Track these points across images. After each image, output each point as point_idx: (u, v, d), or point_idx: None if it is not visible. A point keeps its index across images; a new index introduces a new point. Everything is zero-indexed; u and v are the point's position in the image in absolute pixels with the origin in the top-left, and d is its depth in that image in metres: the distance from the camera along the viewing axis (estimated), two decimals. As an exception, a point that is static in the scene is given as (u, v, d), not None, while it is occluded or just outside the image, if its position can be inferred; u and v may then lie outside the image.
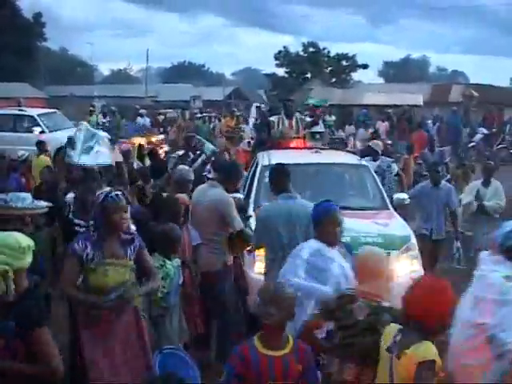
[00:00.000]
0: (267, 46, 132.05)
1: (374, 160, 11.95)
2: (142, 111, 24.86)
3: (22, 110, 22.32)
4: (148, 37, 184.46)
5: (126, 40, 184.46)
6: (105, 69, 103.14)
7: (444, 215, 10.52)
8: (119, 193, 5.38)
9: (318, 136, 11.50)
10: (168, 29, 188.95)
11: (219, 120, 26.58)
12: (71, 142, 8.68)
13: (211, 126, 25.43)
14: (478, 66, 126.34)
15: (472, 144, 26.04)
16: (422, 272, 7.89)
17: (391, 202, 9.54)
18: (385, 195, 9.60)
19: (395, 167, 12.73)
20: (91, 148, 8.46)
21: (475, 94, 32.36)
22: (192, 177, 8.05)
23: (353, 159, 10.65)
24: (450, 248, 10.49)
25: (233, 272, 7.42)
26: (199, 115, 26.74)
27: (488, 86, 40.80)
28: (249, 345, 4.27)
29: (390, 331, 4.13)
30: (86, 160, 8.36)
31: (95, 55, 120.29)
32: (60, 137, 17.59)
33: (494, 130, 28.09)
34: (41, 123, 20.69)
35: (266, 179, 8.78)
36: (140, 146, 14.73)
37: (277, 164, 7.37)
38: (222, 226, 7.05)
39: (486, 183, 10.95)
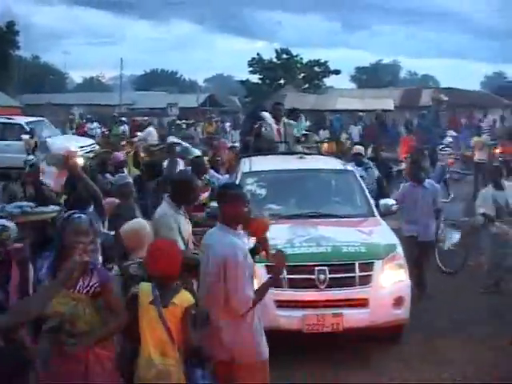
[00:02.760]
0: (240, 52, 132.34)
1: (359, 165, 11.83)
2: (123, 119, 25.22)
3: (10, 118, 22.82)
4: (120, 44, 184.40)
5: (97, 47, 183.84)
6: (77, 76, 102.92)
7: (431, 215, 10.20)
8: (82, 215, 5.03)
9: (302, 139, 11.28)
10: (140, 36, 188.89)
11: (195, 128, 26.95)
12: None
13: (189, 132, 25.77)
14: (448, 70, 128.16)
15: (442, 146, 26.77)
16: (408, 281, 7.80)
17: (377, 209, 9.17)
18: (371, 202, 9.24)
19: (375, 171, 12.49)
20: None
21: (444, 97, 33.12)
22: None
23: (338, 165, 10.24)
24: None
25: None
26: (178, 122, 27.11)
27: (457, 90, 41.75)
28: None
29: (145, 289, 5.04)
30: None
31: (67, 63, 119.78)
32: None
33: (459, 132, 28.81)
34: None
35: (247, 187, 8.77)
36: (135, 153, 14.64)
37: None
38: None
39: (498, 186, 10.47)
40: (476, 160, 18.77)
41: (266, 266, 6.57)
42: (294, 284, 7.35)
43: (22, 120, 22.66)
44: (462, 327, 8.62)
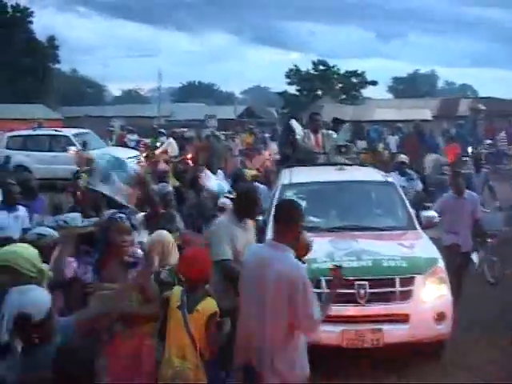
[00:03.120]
0: (275, 63, 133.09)
1: (402, 175, 11.72)
2: (162, 130, 25.44)
3: (57, 131, 23.26)
4: (157, 56, 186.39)
5: (134, 60, 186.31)
6: (115, 89, 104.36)
7: (470, 226, 10.04)
8: (123, 215, 5.34)
9: (343, 149, 10.87)
10: (177, 48, 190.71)
11: (233, 139, 27.10)
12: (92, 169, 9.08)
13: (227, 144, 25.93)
14: (486, 79, 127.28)
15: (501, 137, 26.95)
16: (449, 296, 7.59)
17: (419, 221, 8.91)
18: (412, 214, 9.00)
19: (419, 183, 12.43)
20: (110, 177, 8.45)
21: (482, 107, 33.02)
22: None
23: (378, 176, 10.04)
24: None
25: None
26: (217, 133, 27.33)
27: (495, 99, 41.49)
28: None
29: (176, 293, 5.29)
30: (105, 189, 8.39)
31: (105, 76, 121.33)
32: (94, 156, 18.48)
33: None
34: (76, 143, 21.34)
35: None
36: (176, 164, 14.79)
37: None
38: None
39: None
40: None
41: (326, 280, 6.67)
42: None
43: (68, 132, 23.01)
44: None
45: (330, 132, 11.58)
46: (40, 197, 9.59)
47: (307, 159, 10.85)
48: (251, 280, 4.93)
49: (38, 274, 4.61)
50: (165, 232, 6.55)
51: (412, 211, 9.08)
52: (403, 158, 12.65)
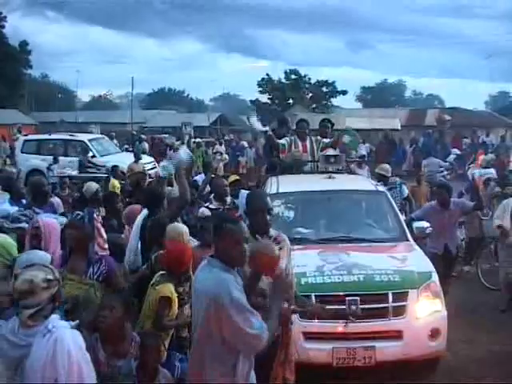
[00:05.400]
0: (245, 71, 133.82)
1: (384, 185, 11.01)
2: (143, 136, 25.99)
3: (72, 136, 23.25)
4: (127, 63, 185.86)
5: (104, 66, 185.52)
6: (84, 95, 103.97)
7: (455, 231, 10.18)
8: (85, 216, 6.13)
9: (332, 159, 10.03)
10: (147, 54, 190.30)
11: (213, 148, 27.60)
12: None
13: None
14: (453, 89, 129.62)
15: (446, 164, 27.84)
16: (444, 312, 7.32)
17: (410, 232, 8.69)
18: (404, 224, 8.71)
19: (405, 190, 12.36)
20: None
21: (448, 117, 34.11)
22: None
23: (368, 185, 9.70)
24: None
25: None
26: (195, 140, 27.90)
27: (461, 110, 42.79)
28: None
29: (156, 275, 6.14)
30: None
31: (75, 81, 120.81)
32: (110, 160, 18.93)
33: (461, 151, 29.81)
34: (92, 148, 21.52)
35: (274, 209, 7.89)
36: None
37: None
38: None
39: None
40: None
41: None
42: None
43: (84, 137, 23.03)
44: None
45: (319, 138, 11.05)
46: (52, 201, 9.83)
47: (295, 167, 10.39)
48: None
49: (12, 262, 5.26)
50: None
51: (403, 221, 8.87)
52: (382, 168, 12.33)
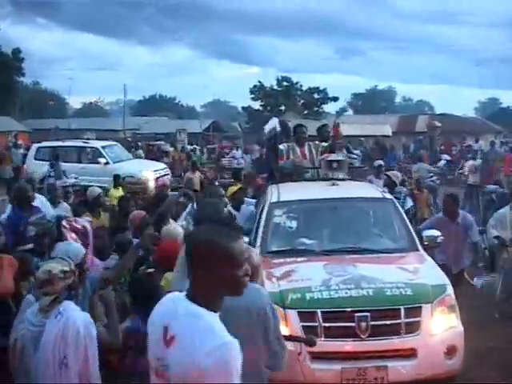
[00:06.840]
0: (236, 77, 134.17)
1: (390, 193, 10.15)
2: (139, 143, 26.18)
3: (86, 142, 23.39)
4: (117, 70, 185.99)
5: (95, 73, 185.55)
6: (75, 102, 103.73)
7: (464, 248, 9.64)
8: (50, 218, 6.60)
9: (335, 165, 9.53)
10: (137, 62, 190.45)
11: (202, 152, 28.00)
12: None
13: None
14: (443, 95, 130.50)
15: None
16: (460, 328, 6.71)
17: (420, 241, 8.06)
18: (413, 234, 8.11)
19: (409, 202, 11.57)
20: None
21: (438, 124, 34.72)
22: None
23: (375, 192, 9.15)
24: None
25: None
26: (189, 147, 28.23)
27: (450, 116, 43.44)
28: None
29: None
30: None
31: (66, 88, 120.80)
32: (122, 167, 19.49)
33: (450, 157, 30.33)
34: (105, 155, 21.63)
35: (275, 219, 8.17)
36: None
37: None
38: None
39: None
40: (469, 182, 19.37)
41: (299, 312, 6.41)
42: (331, 333, 6.38)
43: (97, 144, 23.08)
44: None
45: (317, 143, 10.71)
46: (61, 205, 10.13)
47: (295, 174, 10.05)
48: None
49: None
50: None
51: (413, 231, 8.29)
52: (395, 175, 11.91)
